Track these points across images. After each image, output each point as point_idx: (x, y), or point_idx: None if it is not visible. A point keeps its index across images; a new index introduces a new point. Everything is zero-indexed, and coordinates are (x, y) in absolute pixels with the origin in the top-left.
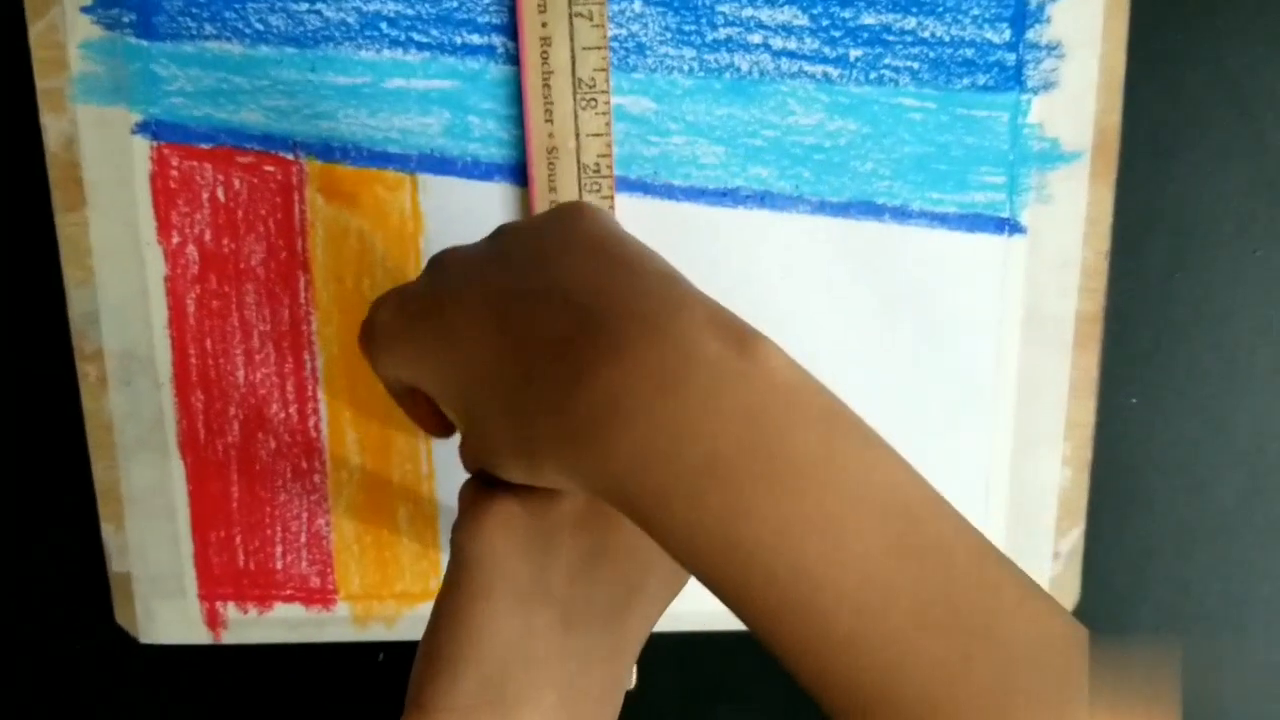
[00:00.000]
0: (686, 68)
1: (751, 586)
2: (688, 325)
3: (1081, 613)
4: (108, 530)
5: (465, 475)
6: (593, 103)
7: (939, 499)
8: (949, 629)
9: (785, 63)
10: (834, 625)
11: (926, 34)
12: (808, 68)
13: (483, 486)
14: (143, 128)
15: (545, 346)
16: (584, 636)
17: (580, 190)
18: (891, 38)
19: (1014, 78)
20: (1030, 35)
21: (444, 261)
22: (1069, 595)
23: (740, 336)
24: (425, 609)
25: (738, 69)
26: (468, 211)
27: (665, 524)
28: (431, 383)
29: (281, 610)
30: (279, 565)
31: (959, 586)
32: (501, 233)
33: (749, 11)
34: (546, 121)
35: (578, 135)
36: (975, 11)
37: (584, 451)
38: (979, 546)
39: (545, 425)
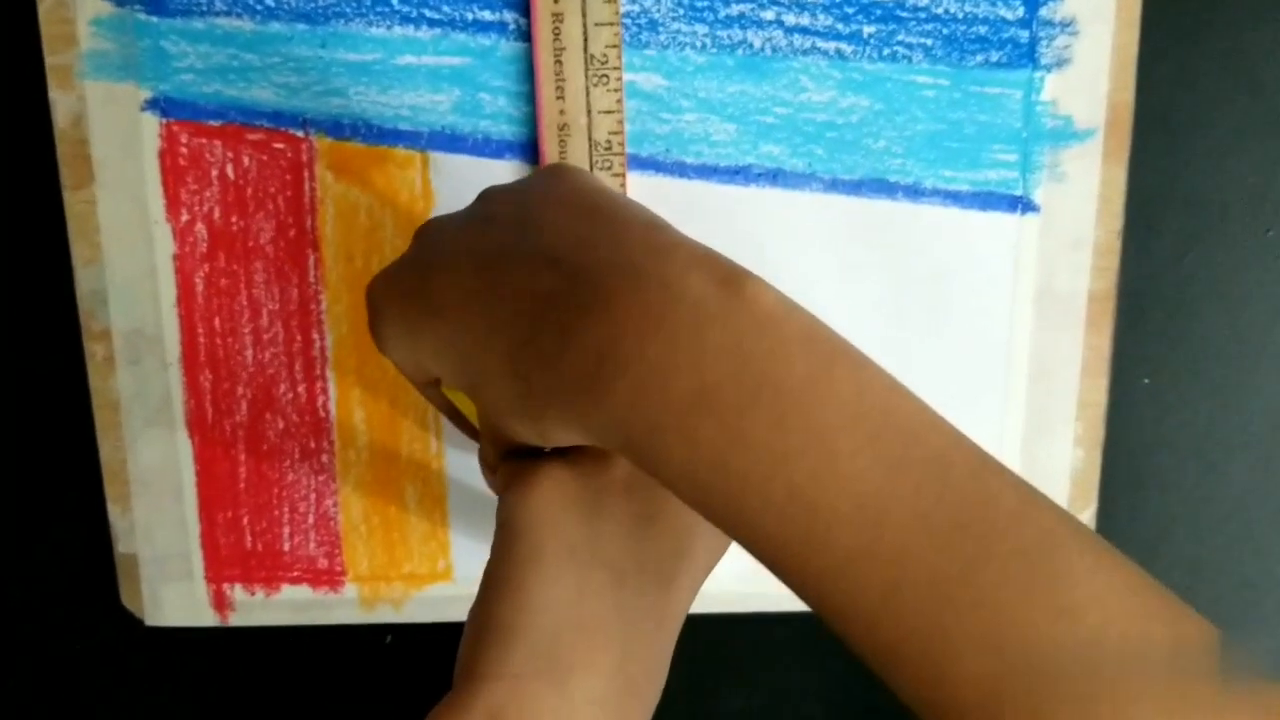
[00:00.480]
0: (699, 44)
1: (750, 514)
2: (671, 268)
3: None
4: (114, 511)
5: (475, 451)
6: (604, 79)
7: (934, 416)
8: (947, 541)
9: (798, 39)
10: (833, 545)
11: (940, 10)
12: (820, 44)
13: (528, 456)
14: (152, 104)
15: (536, 305)
16: (635, 600)
17: (592, 167)
18: (905, 14)
19: (1027, 55)
20: (1044, 12)
21: (428, 232)
22: None
23: (726, 275)
24: (433, 591)
25: (750, 45)
26: (478, 189)
27: (664, 461)
28: (433, 359)
29: (289, 592)
30: (286, 546)
31: (955, 498)
32: (484, 197)
33: None
34: (558, 98)
35: (589, 112)
36: None
37: (582, 403)
38: (976, 458)
39: (543, 382)
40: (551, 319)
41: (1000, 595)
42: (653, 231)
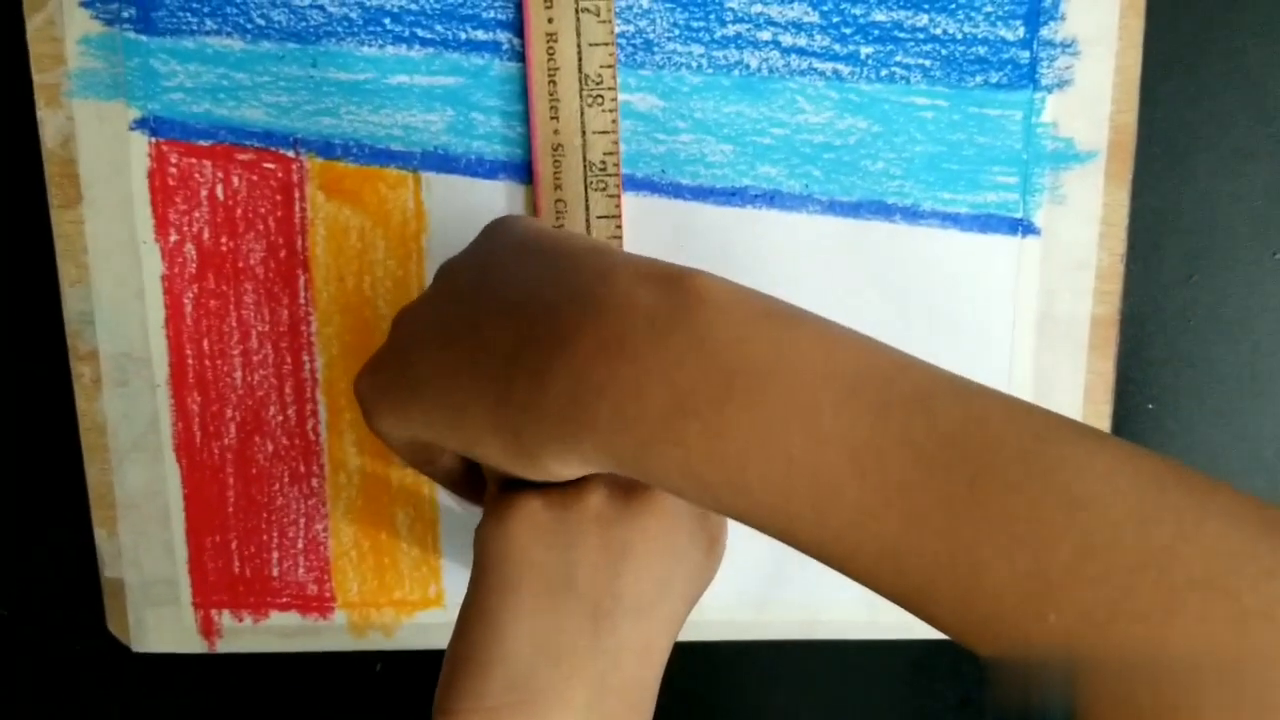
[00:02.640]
0: (695, 64)
1: (756, 496)
2: (618, 288)
3: None
4: (100, 535)
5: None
6: (599, 100)
7: (908, 358)
8: (947, 465)
9: (795, 60)
10: (841, 502)
11: (939, 31)
12: (818, 65)
13: (505, 487)
14: (141, 124)
15: (506, 359)
16: (613, 633)
17: (586, 188)
18: (903, 35)
19: (1028, 76)
20: (1045, 32)
21: (400, 321)
22: None
23: (669, 279)
24: (424, 618)
25: (747, 66)
26: (471, 210)
27: (662, 471)
28: (426, 433)
29: (277, 619)
30: (275, 572)
31: (945, 423)
32: (441, 273)
33: (758, 8)
34: (552, 119)
35: (583, 133)
36: (989, 8)
37: (570, 439)
38: (956, 383)
39: (529, 429)
40: (522, 367)
41: (1011, 501)
42: (597, 256)
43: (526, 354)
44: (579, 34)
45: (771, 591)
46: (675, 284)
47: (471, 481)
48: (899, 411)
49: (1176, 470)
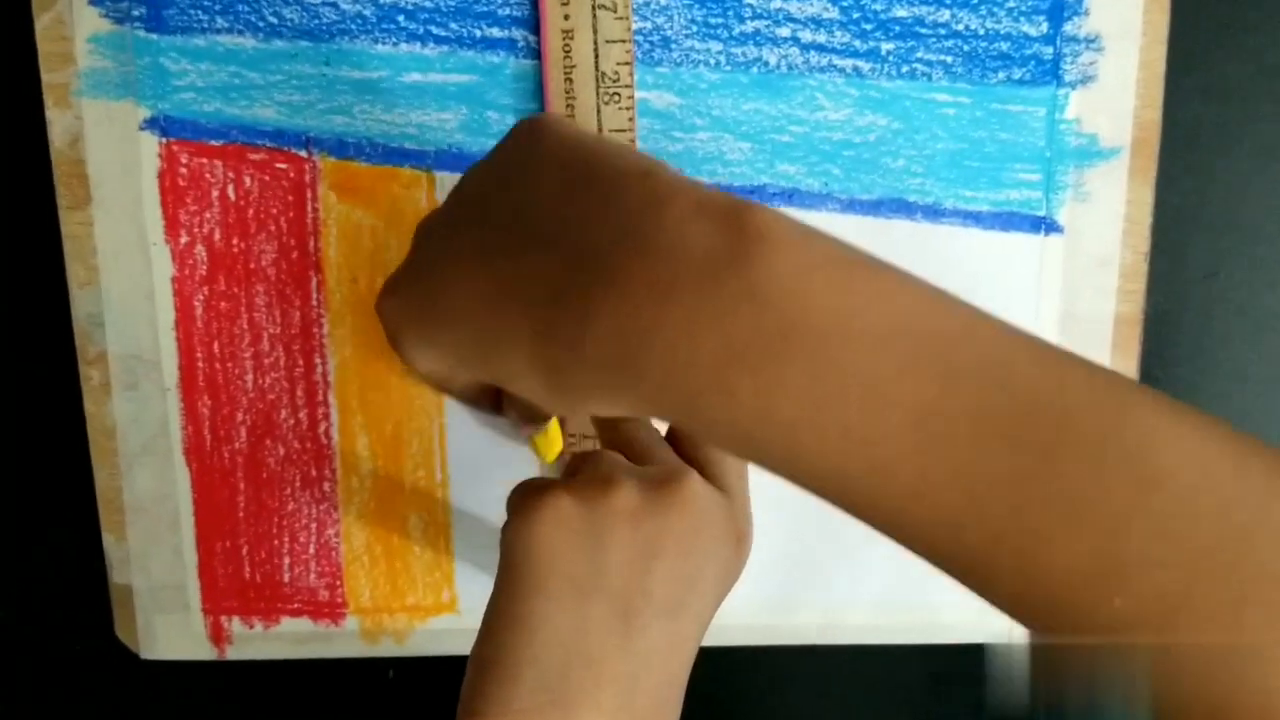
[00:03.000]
0: (713, 61)
1: (808, 457)
2: (667, 225)
3: None
4: (109, 540)
5: (480, 479)
6: (616, 97)
7: (982, 316)
8: (1018, 437)
9: (814, 56)
10: (900, 471)
11: (961, 27)
12: (837, 61)
13: (532, 484)
14: (151, 124)
15: (546, 294)
16: (644, 633)
17: None
18: (924, 31)
19: (1051, 72)
20: (1068, 28)
21: (423, 234)
22: None
23: (727, 215)
24: (438, 624)
25: (765, 63)
26: None
27: (710, 423)
28: (458, 364)
29: (289, 625)
30: (286, 577)
31: (1021, 392)
32: (466, 181)
33: (777, 4)
34: (568, 117)
35: (600, 130)
36: (1011, 4)
37: (615, 385)
38: (1034, 347)
39: (572, 370)
40: (565, 306)
41: (1084, 478)
42: (647, 180)
43: (569, 293)
44: (596, 31)
45: (789, 596)
46: (733, 220)
47: (490, 394)
48: (970, 379)
49: (1258, 449)
